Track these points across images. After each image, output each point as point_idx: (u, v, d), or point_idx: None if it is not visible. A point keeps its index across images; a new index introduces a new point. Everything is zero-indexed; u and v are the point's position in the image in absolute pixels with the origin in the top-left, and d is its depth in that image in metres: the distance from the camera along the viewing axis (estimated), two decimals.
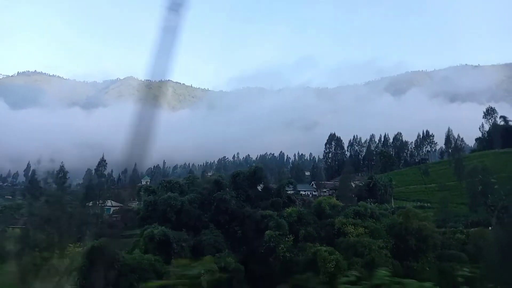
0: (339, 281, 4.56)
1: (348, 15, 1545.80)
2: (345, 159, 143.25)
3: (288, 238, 45.48)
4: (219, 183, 55.49)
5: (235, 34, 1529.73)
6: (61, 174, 77.21)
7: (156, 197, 52.65)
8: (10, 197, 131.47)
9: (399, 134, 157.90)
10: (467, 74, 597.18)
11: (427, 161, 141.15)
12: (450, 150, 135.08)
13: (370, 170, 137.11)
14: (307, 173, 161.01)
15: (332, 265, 37.58)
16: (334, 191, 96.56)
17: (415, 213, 46.93)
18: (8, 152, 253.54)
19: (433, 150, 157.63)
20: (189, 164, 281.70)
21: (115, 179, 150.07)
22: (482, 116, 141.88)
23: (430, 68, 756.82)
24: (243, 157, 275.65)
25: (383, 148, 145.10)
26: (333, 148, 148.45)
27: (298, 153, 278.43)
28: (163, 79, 4.08)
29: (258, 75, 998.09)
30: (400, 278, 4.54)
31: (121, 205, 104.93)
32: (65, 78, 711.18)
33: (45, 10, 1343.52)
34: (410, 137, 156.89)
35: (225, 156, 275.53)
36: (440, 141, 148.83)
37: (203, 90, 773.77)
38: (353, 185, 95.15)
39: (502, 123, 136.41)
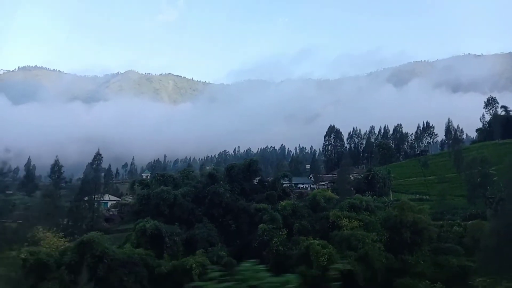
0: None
1: (350, 6, 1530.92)
2: (344, 151, 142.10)
3: (282, 231, 45.10)
4: (213, 176, 54.99)
5: (236, 26, 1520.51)
6: (56, 168, 76.37)
7: (150, 190, 52.26)
8: (11, 192, 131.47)
9: (399, 125, 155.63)
10: (469, 64, 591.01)
11: (427, 153, 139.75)
12: (450, 142, 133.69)
13: (370, 162, 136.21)
14: (308, 166, 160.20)
15: (325, 258, 37.25)
16: (332, 184, 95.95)
17: (410, 206, 46.36)
18: (9, 146, 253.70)
19: (434, 141, 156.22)
20: (190, 158, 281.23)
21: (113, 173, 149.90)
22: (483, 106, 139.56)
23: (433, 58, 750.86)
24: (244, 151, 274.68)
25: (382, 140, 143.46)
26: (332, 141, 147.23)
27: (299, 146, 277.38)
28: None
29: (259, 68, 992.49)
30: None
31: (118, 199, 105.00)
32: (65, 72, 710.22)
33: (45, 5, 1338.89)
34: (412, 128, 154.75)
35: (225, 150, 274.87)
36: (441, 132, 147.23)
37: (204, 83, 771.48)
38: (352, 178, 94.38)
39: (503, 113, 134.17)
